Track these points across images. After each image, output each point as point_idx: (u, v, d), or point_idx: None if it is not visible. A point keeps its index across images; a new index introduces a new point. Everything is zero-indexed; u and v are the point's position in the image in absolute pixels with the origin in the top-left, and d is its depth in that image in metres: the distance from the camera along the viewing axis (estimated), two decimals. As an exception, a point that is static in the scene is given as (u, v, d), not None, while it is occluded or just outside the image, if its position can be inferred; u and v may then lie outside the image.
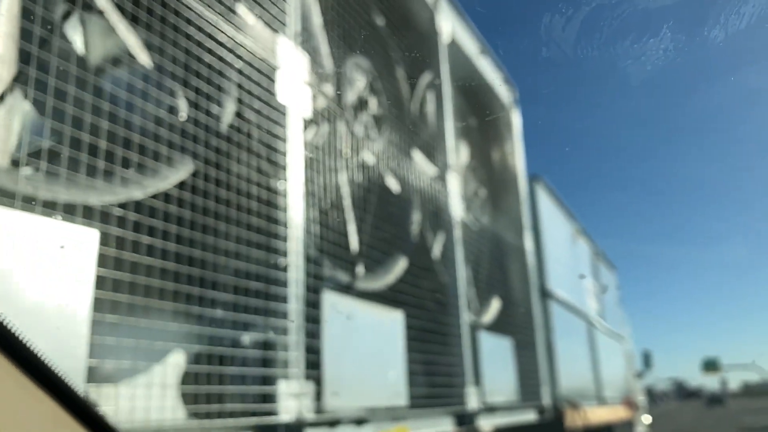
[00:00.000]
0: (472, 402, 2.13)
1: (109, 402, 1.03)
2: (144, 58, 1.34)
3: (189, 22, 1.31)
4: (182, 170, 1.31)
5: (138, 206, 1.14)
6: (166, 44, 1.31)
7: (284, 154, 1.42)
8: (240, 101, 1.40)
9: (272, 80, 1.45)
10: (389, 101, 2.08)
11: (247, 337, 1.29)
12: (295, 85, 1.52)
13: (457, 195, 2.53)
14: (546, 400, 3.01)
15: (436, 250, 2.33)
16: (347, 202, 1.80)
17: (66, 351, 0.89)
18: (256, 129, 1.33)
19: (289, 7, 1.62)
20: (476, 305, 2.47)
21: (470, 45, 3.05)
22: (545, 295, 3.52)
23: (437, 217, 2.28)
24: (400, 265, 1.99)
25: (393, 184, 2.13)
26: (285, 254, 1.36)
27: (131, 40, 1.31)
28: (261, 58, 1.42)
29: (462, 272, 2.29)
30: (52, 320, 0.87)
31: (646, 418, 6.47)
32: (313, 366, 1.42)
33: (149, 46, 1.32)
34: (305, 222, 1.44)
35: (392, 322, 1.72)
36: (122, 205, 1.06)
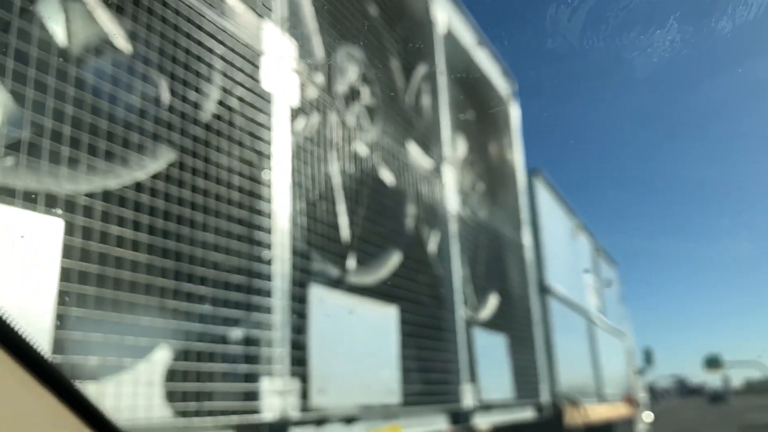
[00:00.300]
0: (468, 400, 2.08)
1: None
2: (122, 43, 1.29)
3: (165, 5, 1.26)
4: (161, 160, 1.26)
5: (109, 196, 1.09)
6: (143, 29, 1.26)
7: (269, 143, 1.37)
8: (223, 89, 1.35)
9: (256, 66, 1.40)
10: (383, 92, 2.03)
11: (228, 333, 1.24)
12: (282, 72, 1.47)
13: (453, 188, 2.48)
14: (545, 397, 2.96)
15: (432, 245, 2.28)
16: (338, 194, 1.75)
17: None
18: (239, 117, 1.28)
19: (276, -9, 1.57)
20: (473, 301, 2.42)
21: (467, 36, 3.00)
22: (544, 290, 3.47)
23: (433, 210, 2.23)
24: (393, 260, 1.95)
25: (387, 177, 2.08)
26: (269, 247, 1.31)
27: (108, 24, 1.26)
28: (244, 43, 1.37)
29: (458, 267, 2.23)
30: (12, 314, 0.82)
31: (648, 416, 6.42)
32: (300, 363, 1.37)
33: (126, 32, 1.27)
34: (292, 213, 1.39)
35: (385, 317, 1.68)
36: (92, 195, 1.01)
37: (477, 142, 2.85)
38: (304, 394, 1.35)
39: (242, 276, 1.24)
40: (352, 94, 1.85)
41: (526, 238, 3.26)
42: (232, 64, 1.32)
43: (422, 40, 2.48)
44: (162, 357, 1.27)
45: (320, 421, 1.35)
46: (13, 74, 0.98)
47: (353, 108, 1.83)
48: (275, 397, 1.26)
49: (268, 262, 1.30)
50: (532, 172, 3.71)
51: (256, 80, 1.38)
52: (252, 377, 1.25)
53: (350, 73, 1.87)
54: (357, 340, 1.51)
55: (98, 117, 1.10)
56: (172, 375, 1.22)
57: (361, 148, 1.91)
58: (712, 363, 23.91)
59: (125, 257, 0.99)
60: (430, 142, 2.35)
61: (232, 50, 1.32)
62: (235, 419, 1.15)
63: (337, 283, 1.58)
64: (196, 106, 1.33)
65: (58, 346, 0.88)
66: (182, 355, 1.22)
